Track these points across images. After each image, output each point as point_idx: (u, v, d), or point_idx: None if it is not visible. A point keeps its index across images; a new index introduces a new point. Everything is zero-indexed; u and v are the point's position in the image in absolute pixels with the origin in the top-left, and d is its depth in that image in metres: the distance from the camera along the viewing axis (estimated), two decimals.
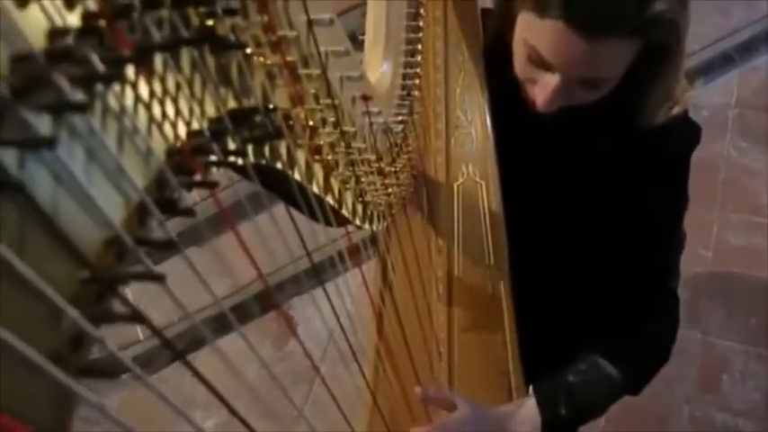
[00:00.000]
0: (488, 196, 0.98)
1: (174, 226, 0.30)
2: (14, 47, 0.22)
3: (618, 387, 0.91)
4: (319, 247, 0.57)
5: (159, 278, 0.27)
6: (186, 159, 0.31)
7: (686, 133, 0.88)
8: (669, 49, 0.73)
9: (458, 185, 1.01)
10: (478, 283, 0.98)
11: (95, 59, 0.24)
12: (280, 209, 0.53)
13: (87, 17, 0.25)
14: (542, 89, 0.76)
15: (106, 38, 0.26)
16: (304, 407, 1.55)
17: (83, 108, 0.23)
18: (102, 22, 0.25)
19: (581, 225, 0.93)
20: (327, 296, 0.54)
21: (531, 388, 0.90)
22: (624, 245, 0.92)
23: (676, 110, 0.81)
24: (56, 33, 0.24)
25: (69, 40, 0.24)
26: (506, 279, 0.96)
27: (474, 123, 1.00)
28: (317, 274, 0.51)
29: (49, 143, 0.22)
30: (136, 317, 0.26)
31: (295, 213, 0.53)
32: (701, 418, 1.82)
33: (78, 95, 0.24)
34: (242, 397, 0.36)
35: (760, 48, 2.57)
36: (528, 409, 0.88)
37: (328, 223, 0.57)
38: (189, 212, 0.29)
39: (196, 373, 0.30)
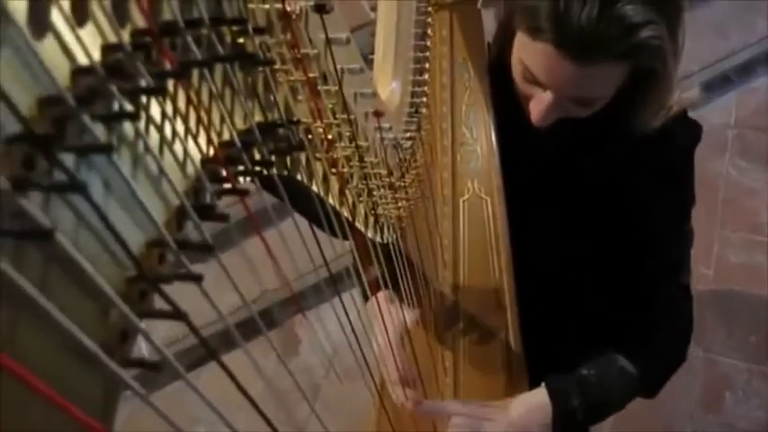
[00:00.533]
0: (493, 212, 1.00)
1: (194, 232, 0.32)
2: (74, 61, 0.24)
3: (633, 382, 0.88)
4: (335, 257, 0.58)
5: (197, 278, 0.29)
6: (219, 168, 0.33)
7: (686, 132, 0.89)
8: (656, 73, 0.75)
9: (463, 201, 1.03)
10: (484, 297, 0.99)
11: (144, 72, 0.26)
12: (288, 223, 0.54)
13: (136, 34, 0.27)
14: (537, 105, 0.80)
15: (153, 53, 0.28)
16: (309, 420, 1.55)
17: (133, 117, 0.25)
18: (149, 39, 0.27)
19: (587, 237, 0.95)
20: (343, 304, 0.55)
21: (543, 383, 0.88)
22: (632, 250, 0.93)
23: (674, 110, 0.83)
24: (109, 49, 0.26)
25: (120, 55, 0.26)
26: (512, 293, 0.97)
27: (479, 140, 1.03)
28: (334, 283, 0.53)
29: (107, 149, 0.23)
30: (176, 315, 0.28)
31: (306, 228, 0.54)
32: None
33: (128, 106, 0.26)
34: (247, 409, 0.37)
35: (758, 69, 2.61)
36: (539, 401, 0.86)
37: (345, 237, 0.59)
38: (223, 218, 0.31)
39: (231, 376, 0.32)
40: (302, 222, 0.54)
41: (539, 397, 0.87)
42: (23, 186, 0.20)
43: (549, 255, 0.96)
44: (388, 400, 0.91)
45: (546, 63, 0.74)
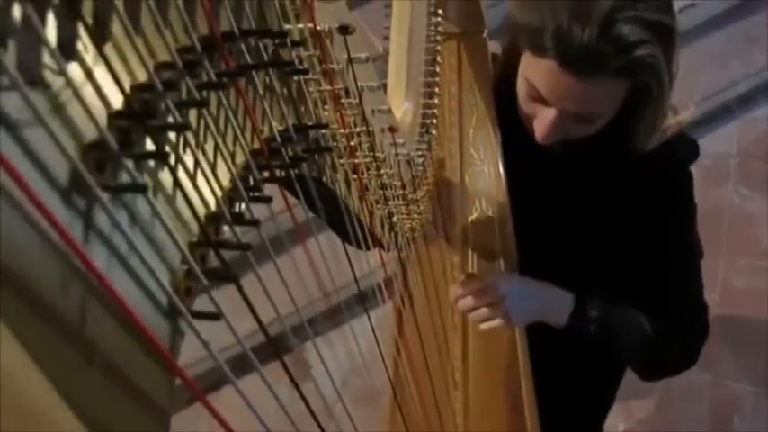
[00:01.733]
0: (501, 230, 1.05)
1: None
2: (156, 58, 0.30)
3: (646, 340, 0.95)
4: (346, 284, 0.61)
5: (246, 247, 0.34)
6: (262, 159, 0.38)
7: (683, 145, 0.94)
8: (651, 91, 0.81)
9: (471, 220, 1.07)
10: None
11: (210, 70, 0.32)
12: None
13: (203, 40, 0.32)
14: (541, 122, 0.85)
15: (214, 56, 0.33)
16: None
17: (184, 128, 0.31)
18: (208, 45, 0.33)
19: (590, 254, 0.99)
20: (370, 321, 0.58)
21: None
22: (640, 269, 0.97)
23: (669, 132, 0.88)
24: (161, 67, 0.31)
25: (171, 74, 0.31)
26: None
27: (486, 162, 1.08)
28: (357, 304, 0.57)
29: (162, 156, 0.29)
30: (229, 276, 0.33)
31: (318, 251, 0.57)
32: None
33: (180, 118, 0.31)
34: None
35: (758, 99, 2.67)
36: (564, 294, 0.94)
37: (367, 246, 0.64)
38: (268, 199, 0.36)
39: (266, 382, 0.36)
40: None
41: (565, 293, 0.94)
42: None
43: (565, 272, 1.00)
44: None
45: (550, 79, 0.80)
